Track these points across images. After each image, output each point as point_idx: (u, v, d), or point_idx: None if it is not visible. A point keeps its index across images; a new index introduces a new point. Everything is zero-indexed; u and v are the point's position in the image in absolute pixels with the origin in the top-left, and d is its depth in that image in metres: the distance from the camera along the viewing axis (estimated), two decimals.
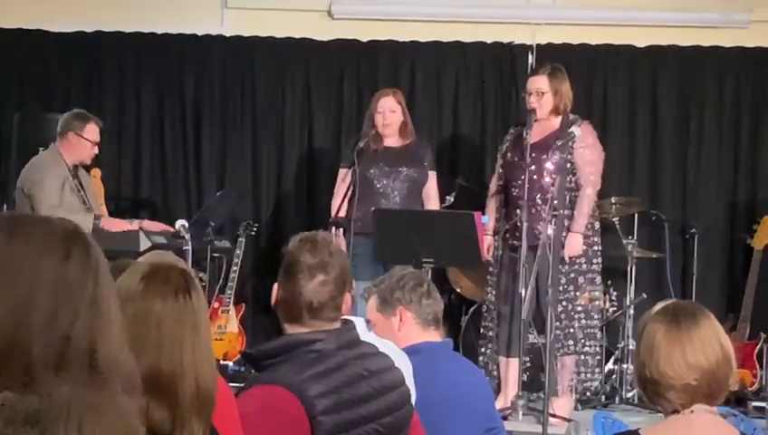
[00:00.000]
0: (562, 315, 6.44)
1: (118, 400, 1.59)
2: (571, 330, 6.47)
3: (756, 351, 7.26)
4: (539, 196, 6.36)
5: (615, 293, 7.34)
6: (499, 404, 6.43)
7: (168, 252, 5.80)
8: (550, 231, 6.23)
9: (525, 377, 6.63)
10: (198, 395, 2.08)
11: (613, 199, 7.41)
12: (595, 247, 6.56)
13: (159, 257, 2.53)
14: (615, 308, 7.31)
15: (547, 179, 6.36)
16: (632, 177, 8.09)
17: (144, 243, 6.43)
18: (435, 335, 3.88)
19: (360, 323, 3.29)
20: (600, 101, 8.16)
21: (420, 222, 6.50)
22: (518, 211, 6.41)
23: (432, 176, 6.94)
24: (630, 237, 7.50)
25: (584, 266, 6.49)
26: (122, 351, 1.64)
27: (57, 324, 1.57)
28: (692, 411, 2.59)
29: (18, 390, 1.52)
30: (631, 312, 7.28)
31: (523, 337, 6.36)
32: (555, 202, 6.32)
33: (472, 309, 7.44)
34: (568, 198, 6.46)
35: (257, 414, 2.71)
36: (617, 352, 7.20)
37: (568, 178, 6.45)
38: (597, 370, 6.64)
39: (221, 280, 7.52)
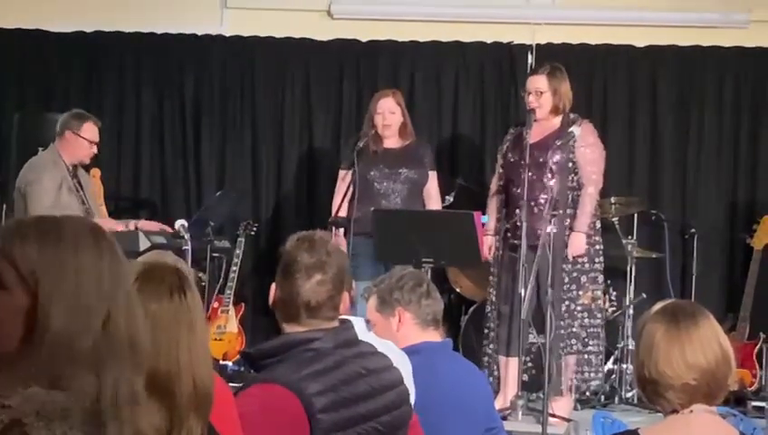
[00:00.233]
0: (565, 315, 6.44)
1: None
2: (574, 329, 6.47)
3: (756, 350, 7.26)
4: (541, 195, 6.36)
5: (614, 293, 7.34)
6: (498, 404, 6.43)
7: (167, 252, 5.81)
8: (549, 230, 6.23)
9: (526, 377, 6.63)
10: (196, 394, 2.09)
11: (613, 199, 7.42)
12: (597, 247, 6.56)
13: (157, 257, 2.54)
14: (614, 308, 7.31)
15: (548, 179, 6.36)
16: (632, 177, 8.09)
17: (144, 243, 6.43)
18: (434, 335, 3.88)
19: (358, 323, 3.30)
20: (600, 100, 8.16)
21: (420, 222, 6.51)
22: (518, 211, 6.41)
23: (432, 176, 6.94)
24: (630, 237, 7.50)
25: (586, 266, 6.50)
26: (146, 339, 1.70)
27: (100, 319, 1.63)
28: (691, 411, 2.59)
29: (46, 385, 1.55)
30: (631, 312, 7.28)
31: (523, 337, 6.36)
32: (556, 202, 6.33)
33: (471, 309, 7.44)
34: (570, 197, 6.46)
35: (256, 413, 2.72)
36: (616, 352, 7.20)
37: (570, 178, 6.45)
38: (600, 369, 6.64)
39: (220, 280, 7.52)
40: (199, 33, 8.38)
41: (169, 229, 6.73)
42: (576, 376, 6.49)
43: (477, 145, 8.26)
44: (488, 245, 6.60)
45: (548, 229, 6.19)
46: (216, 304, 7.62)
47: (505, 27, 8.21)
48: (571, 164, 6.44)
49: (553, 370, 6.36)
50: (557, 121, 6.54)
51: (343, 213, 6.68)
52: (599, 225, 6.65)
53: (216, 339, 7.57)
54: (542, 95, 6.49)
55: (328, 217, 6.76)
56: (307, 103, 8.37)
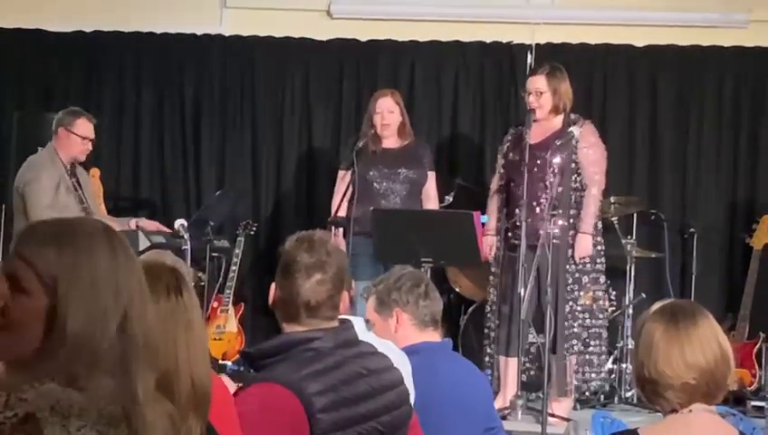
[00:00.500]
0: (569, 315, 6.44)
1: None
2: (575, 330, 6.47)
3: (755, 350, 7.26)
4: (542, 196, 6.36)
5: (614, 292, 7.34)
6: (498, 404, 6.43)
7: (166, 251, 5.82)
8: (549, 230, 6.23)
9: (525, 377, 6.64)
10: (194, 393, 2.09)
11: (612, 199, 7.41)
12: (599, 247, 6.56)
13: (154, 257, 2.55)
14: (614, 308, 7.31)
15: (550, 179, 6.36)
16: (631, 176, 8.09)
17: (143, 242, 6.43)
18: (433, 336, 3.88)
19: (358, 323, 3.30)
20: (600, 100, 8.16)
21: (420, 222, 6.51)
22: (518, 211, 6.41)
23: (431, 176, 6.94)
24: (629, 237, 7.50)
25: (588, 266, 6.50)
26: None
27: (116, 320, 1.67)
28: (690, 411, 2.59)
29: (63, 383, 1.58)
30: (630, 311, 7.28)
31: (523, 337, 6.37)
32: (556, 202, 6.33)
33: (471, 309, 7.44)
34: (573, 198, 6.46)
35: (256, 413, 2.72)
36: (616, 352, 7.20)
37: (573, 178, 6.45)
38: (601, 370, 6.64)
39: (220, 280, 7.52)
40: (199, 33, 8.38)
41: (168, 229, 6.74)
42: (576, 376, 6.49)
43: (477, 145, 8.26)
44: (489, 244, 6.60)
45: (547, 229, 6.20)
46: (215, 304, 7.61)
47: (505, 27, 8.21)
48: (573, 165, 6.44)
49: (553, 370, 6.36)
50: (558, 121, 6.54)
51: (342, 213, 6.68)
52: (600, 225, 6.65)
53: (215, 339, 7.57)
54: (542, 95, 6.49)
55: (327, 216, 6.76)
56: (307, 103, 8.36)
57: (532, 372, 6.71)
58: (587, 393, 6.74)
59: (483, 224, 6.59)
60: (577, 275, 6.47)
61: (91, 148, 6.73)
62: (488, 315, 6.68)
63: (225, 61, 8.40)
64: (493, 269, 6.69)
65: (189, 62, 8.42)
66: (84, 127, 6.63)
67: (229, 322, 7.67)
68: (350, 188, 6.64)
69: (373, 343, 3.17)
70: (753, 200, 8.01)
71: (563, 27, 8.16)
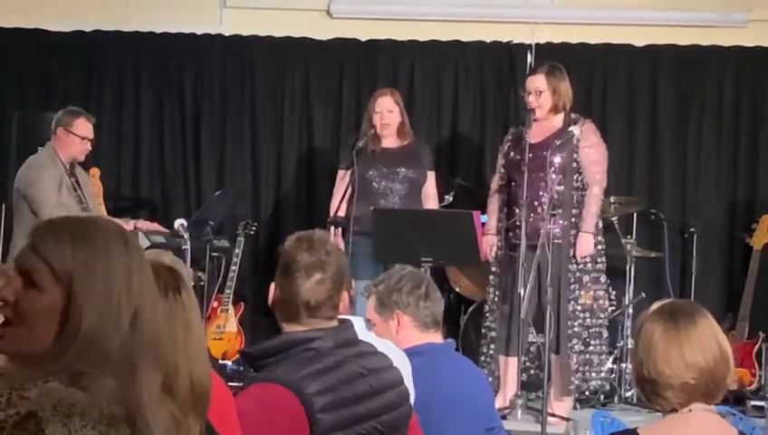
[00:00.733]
0: (571, 315, 6.44)
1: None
2: (575, 329, 6.47)
3: (755, 350, 7.26)
4: (542, 195, 6.36)
5: (614, 292, 7.34)
6: (498, 403, 6.44)
7: (165, 251, 5.81)
8: (549, 229, 6.23)
9: (525, 377, 6.64)
10: (193, 392, 2.09)
11: (612, 199, 7.42)
12: (600, 247, 6.56)
13: (153, 256, 2.55)
14: (614, 307, 7.31)
15: (550, 179, 6.36)
16: (631, 176, 8.09)
17: (143, 242, 6.43)
18: (435, 337, 3.88)
19: (358, 323, 3.30)
20: (599, 100, 8.17)
21: (419, 221, 6.51)
22: (518, 210, 6.41)
23: (430, 176, 6.94)
24: (629, 237, 7.50)
25: (589, 266, 6.50)
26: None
27: (128, 318, 1.68)
28: (690, 410, 2.59)
29: (65, 382, 1.58)
30: (630, 311, 7.29)
31: (523, 336, 6.37)
32: (556, 201, 6.33)
33: (471, 308, 7.44)
34: (575, 197, 6.46)
35: (256, 412, 2.72)
36: (616, 352, 7.20)
37: (574, 178, 6.45)
38: (601, 369, 6.64)
39: (220, 279, 7.52)
40: (199, 33, 8.38)
41: (166, 230, 6.74)
42: (576, 376, 6.49)
43: (477, 144, 8.26)
44: (489, 244, 6.60)
45: (547, 229, 6.20)
46: (215, 304, 7.61)
47: (505, 27, 8.21)
48: (575, 164, 6.44)
49: (557, 370, 6.36)
50: (558, 121, 6.54)
51: (342, 213, 6.68)
52: (601, 224, 6.66)
53: (215, 338, 7.58)
54: (542, 95, 6.49)
55: (327, 216, 6.76)
56: (307, 103, 8.37)
57: (532, 372, 6.71)
58: (587, 393, 6.74)
59: (483, 224, 6.60)
60: (578, 274, 6.47)
61: (90, 148, 6.72)
62: (486, 315, 6.68)
63: (225, 61, 8.41)
64: (493, 269, 6.69)
65: (189, 62, 8.42)
66: (83, 127, 6.63)
67: (229, 321, 7.67)
68: (350, 188, 6.64)
69: (373, 343, 3.17)
70: (753, 200, 8.02)
71: (563, 27, 8.16)
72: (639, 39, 8.13)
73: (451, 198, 7.55)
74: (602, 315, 6.60)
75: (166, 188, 8.41)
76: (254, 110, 8.38)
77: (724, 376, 2.61)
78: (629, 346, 7.06)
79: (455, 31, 8.25)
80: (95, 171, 7.12)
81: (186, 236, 6.50)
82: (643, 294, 7.26)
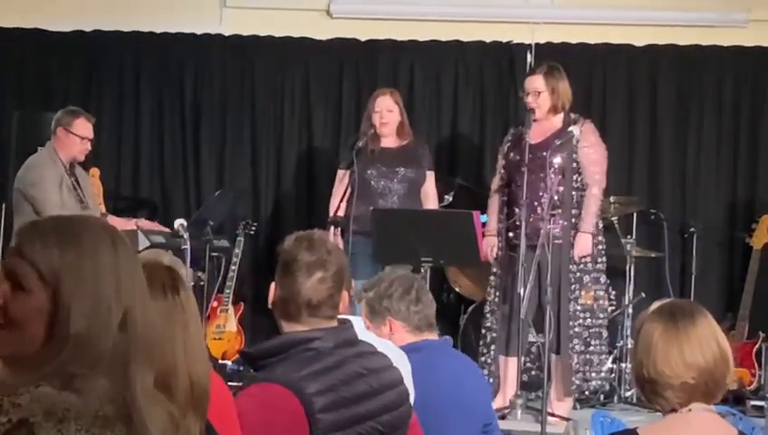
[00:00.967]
0: (571, 315, 6.44)
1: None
2: (576, 329, 6.47)
3: (755, 350, 7.26)
4: (542, 195, 6.36)
5: (614, 292, 7.34)
6: (498, 403, 6.44)
7: (164, 251, 5.82)
8: (548, 229, 6.23)
9: (526, 377, 6.64)
10: (193, 391, 2.09)
11: (612, 199, 7.41)
12: (600, 247, 6.56)
13: (151, 256, 2.56)
14: (614, 307, 7.31)
15: (550, 179, 6.35)
16: (631, 176, 8.09)
17: (143, 242, 6.43)
18: (430, 337, 3.89)
19: (357, 323, 3.30)
20: (599, 100, 8.17)
21: (419, 221, 6.51)
22: (518, 210, 6.41)
23: (430, 175, 6.94)
24: (629, 237, 7.50)
25: (589, 266, 6.50)
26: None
27: (118, 319, 1.66)
28: (690, 410, 2.59)
29: (58, 386, 1.56)
30: (630, 311, 7.29)
31: (523, 337, 6.37)
32: (556, 202, 6.33)
33: (471, 308, 7.44)
34: (574, 197, 6.46)
35: (256, 412, 2.72)
36: (615, 352, 7.20)
37: (574, 178, 6.45)
38: (601, 369, 6.64)
39: (220, 279, 7.52)
40: (199, 33, 8.38)
41: (167, 230, 6.73)
42: (577, 376, 6.49)
43: (477, 144, 8.26)
44: (490, 245, 6.60)
45: (547, 229, 6.20)
46: (215, 304, 7.62)
47: (505, 27, 8.21)
48: (574, 164, 6.44)
49: (558, 370, 6.36)
50: (558, 121, 6.54)
51: (341, 213, 6.68)
52: (601, 224, 6.66)
53: (215, 338, 7.58)
54: (540, 95, 6.49)
55: (327, 216, 6.76)
56: (306, 103, 8.37)
57: (533, 372, 6.71)
58: (587, 393, 6.74)
59: (483, 224, 6.60)
60: (578, 274, 6.47)
61: (90, 147, 6.73)
62: (487, 315, 6.68)
63: (225, 60, 8.41)
64: (493, 269, 6.69)
65: (189, 62, 8.42)
66: (83, 127, 6.63)
67: (229, 321, 7.67)
68: (349, 188, 6.64)
69: (373, 343, 3.17)
70: (752, 200, 8.02)
71: (563, 27, 8.16)
72: (639, 39, 8.13)
73: (451, 198, 7.55)
74: (602, 315, 6.59)
75: (166, 187, 8.41)
76: (254, 110, 8.38)
77: (723, 376, 2.61)
78: (629, 346, 7.06)
79: (455, 31, 8.25)
80: (95, 171, 7.12)
81: (185, 236, 6.50)
82: (643, 294, 7.25)
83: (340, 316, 3.04)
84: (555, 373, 6.38)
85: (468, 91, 8.28)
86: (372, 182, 6.75)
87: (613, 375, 7.15)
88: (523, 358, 6.53)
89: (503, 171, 6.68)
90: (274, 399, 2.76)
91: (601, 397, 6.98)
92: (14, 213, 6.65)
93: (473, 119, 8.27)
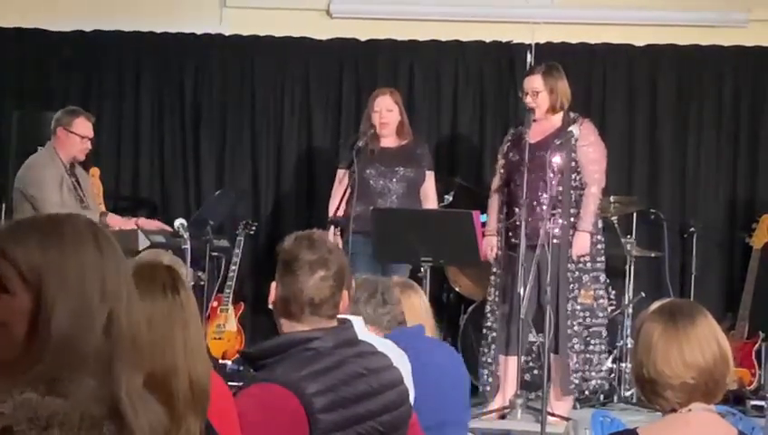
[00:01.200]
0: (569, 314, 6.44)
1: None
2: (575, 329, 6.47)
3: (755, 350, 7.26)
4: (542, 195, 6.36)
5: (614, 292, 7.34)
6: (498, 403, 6.45)
7: (164, 250, 5.81)
8: (549, 230, 6.23)
9: (528, 377, 6.64)
10: (193, 391, 2.09)
11: (612, 198, 7.41)
12: (599, 246, 6.57)
13: (151, 256, 2.55)
14: (614, 307, 7.31)
15: (549, 179, 6.36)
16: (631, 176, 8.09)
17: (143, 242, 6.43)
18: None
19: (357, 323, 3.30)
20: (599, 100, 8.16)
21: (419, 221, 6.51)
22: (518, 210, 6.41)
23: (429, 175, 6.94)
24: (629, 236, 7.50)
25: (589, 265, 6.50)
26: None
27: (102, 320, 1.62)
28: (690, 410, 2.59)
29: (43, 391, 1.54)
30: (630, 311, 7.29)
31: (523, 336, 6.37)
32: (556, 201, 6.33)
33: (471, 308, 7.43)
34: (573, 196, 6.46)
35: (256, 412, 2.72)
36: (615, 351, 7.20)
37: (572, 177, 6.45)
38: (601, 369, 6.64)
39: (220, 279, 7.52)
40: (199, 33, 8.38)
41: (168, 228, 6.74)
42: (576, 375, 6.49)
43: (477, 144, 8.26)
44: (490, 244, 6.60)
45: (547, 228, 6.20)
46: (215, 303, 7.62)
47: (505, 26, 8.21)
48: (573, 163, 6.44)
49: (557, 370, 6.37)
50: (557, 120, 6.54)
51: (340, 213, 6.68)
52: (600, 224, 6.66)
53: (215, 338, 7.58)
54: (539, 95, 6.49)
55: (327, 216, 6.76)
56: (306, 102, 8.36)
57: (535, 372, 6.71)
58: (587, 392, 6.74)
59: (483, 223, 6.60)
60: (577, 273, 6.47)
61: (90, 147, 6.73)
62: (487, 315, 6.68)
63: (225, 60, 8.40)
64: (493, 269, 6.69)
65: (189, 62, 8.42)
66: (83, 126, 6.63)
67: (229, 321, 7.67)
68: (349, 189, 6.63)
69: (373, 343, 3.17)
70: (752, 200, 8.02)
71: (563, 27, 8.16)
72: (639, 39, 8.13)
73: (451, 198, 7.55)
74: (601, 315, 6.60)
75: (166, 187, 8.41)
76: (254, 110, 8.37)
77: (723, 376, 2.61)
78: (629, 346, 7.06)
79: (455, 31, 8.24)
80: (95, 171, 7.12)
81: (186, 236, 6.50)
82: (643, 294, 7.26)
83: (339, 316, 3.04)
84: (553, 373, 6.38)
85: (468, 91, 8.28)
86: (371, 182, 6.75)
87: (613, 375, 7.16)
88: (524, 358, 6.53)
89: (502, 171, 6.69)
90: (274, 399, 2.76)
91: (601, 397, 6.99)
92: (15, 213, 6.66)
93: (473, 119, 8.27)
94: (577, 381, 6.50)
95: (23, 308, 1.61)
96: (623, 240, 7.41)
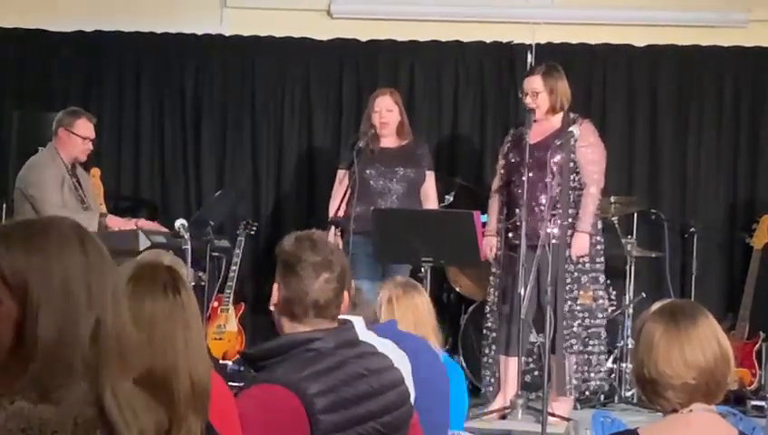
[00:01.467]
0: (567, 315, 6.44)
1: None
2: (574, 329, 6.47)
3: (755, 350, 7.27)
4: (541, 196, 6.36)
5: (614, 292, 7.34)
6: (498, 403, 6.45)
7: (165, 251, 5.81)
8: (549, 230, 6.23)
9: (528, 378, 6.64)
10: (193, 391, 2.09)
11: (612, 199, 7.41)
12: (598, 247, 6.56)
13: (151, 256, 2.55)
14: (614, 307, 7.31)
15: (549, 179, 6.36)
16: (631, 176, 8.09)
17: (144, 242, 6.43)
18: None
19: (358, 323, 3.30)
20: (599, 100, 8.17)
21: (419, 221, 6.51)
22: (518, 211, 6.41)
23: (430, 175, 6.94)
24: (630, 237, 7.50)
25: (587, 265, 6.50)
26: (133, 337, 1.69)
27: (89, 325, 1.60)
28: (690, 410, 2.59)
29: (33, 399, 1.53)
30: (630, 311, 7.28)
31: (523, 337, 6.37)
32: (556, 202, 6.33)
33: (471, 308, 7.43)
34: (572, 197, 6.46)
35: (257, 413, 2.72)
36: (616, 352, 7.20)
37: (571, 178, 6.45)
38: (601, 369, 6.64)
39: (220, 279, 7.52)
40: (199, 33, 8.38)
41: (166, 230, 6.74)
42: (576, 376, 6.49)
43: (477, 144, 8.26)
44: (490, 245, 6.60)
45: (548, 229, 6.20)
46: (215, 304, 7.62)
47: (505, 27, 8.21)
48: (572, 164, 6.44)
49: (553, 370, 6.36)
50: (557, 121, 6.54)
51: (341, 213, 6.68)
52: (600, 224, 6.65)
53: (215, 338, 7.58)
54: (539, 95, 6.49)
55: (327, 216, 6.77)
56: (307, 103, 8.36)
57: (536, 373, 6.71)
58: (587, 393, 6.74)
59: (483, 224, 6.60)
60: (576, 274, 6.47)
61: (91, 147, 6.73)
62: (487, 316, 6.68)
63: (225, 61, 8.40)
64: (493, 269, 6.69)
65: (190, 62, 8.42)
66: (84, 127, 6.64)
67: (229, 321, 7.67)
68: (349, 189, 6.63)
69: (374, 343, 3.17)
70: (753, 200, 8.02)
71: (563, 27, 8.16)
72: (639, 39, 8.13)
73: (451, 198, 7.55)
74: (601, 315, 6.60)
75: (166, 188, 8.41)
76: (255, 110, 8.37)
77: (724, 376, 2.61)
78: (630, 346, 7.06)
79: (455, 31, 8.24)
80: (96, 171, 7.12)
81: (186, 236, 6.49)
82: (643, 294, 7.26)
83: (340, 317, 3.04)
84: (552, 373, 6.39)
85: (468, 92, 8.28)
86: (371, 182, 6.75)
87: (613, 375, 7.16)
88: (524, 358, 6.53)
89: (502, 172, 6.69)
90: (275, 400, 2.76)
91: (602, 397, 6.99)
92: (15, 213, 6.66)
93: (473, 119, 8.27)
94: (576, 382, 6.50)
95: (8, 315, 1.59)
96: (624, 240, 7.41)
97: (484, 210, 6.74)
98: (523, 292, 6.15)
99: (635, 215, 7.66)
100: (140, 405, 1.64)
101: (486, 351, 6.65)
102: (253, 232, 7.95)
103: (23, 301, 1.59)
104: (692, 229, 7.84)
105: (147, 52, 8.42)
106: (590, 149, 6.50)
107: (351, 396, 2.84)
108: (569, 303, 6.45)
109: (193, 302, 2.22)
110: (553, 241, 6.35)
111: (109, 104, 8.35)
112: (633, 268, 7.42)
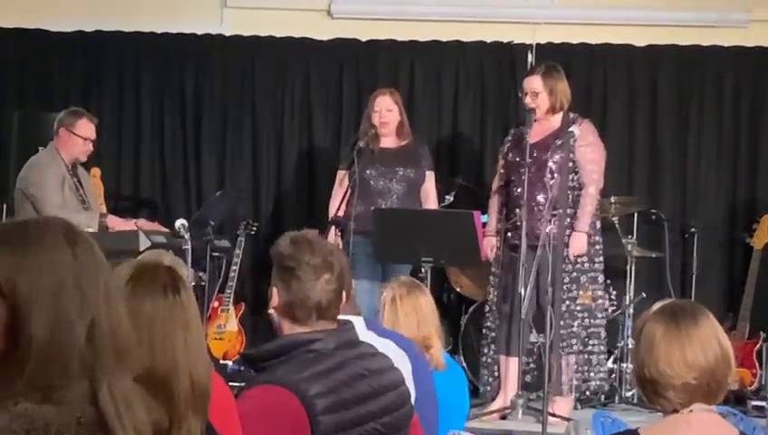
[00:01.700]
0: (566, 315, 6.44)
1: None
2: (574, 329, 6.47)
3: (756, 350, 7.26)
4: (541, 195, 6.36)
5: (614, 292, 7.34)
6: (499, 403, 6.45)
7: (165, 251, 5.81)
8: (549, 230, 6.23)
9: (529, 378, 6.64)
10: (193, 391, 2.09)
11: (612, 199, 7.41)
12: (597, 246, 6.56)
13: (151, 256, 2.55)
14: (614, 307, 7.31)
15: (548, 179, 6.36)
16: (632, 176, 8.09)
17: (144, 242, 6.43)
18: None
19: (359, 324, 3.30)
20: (600, 100, 8.16)
21: (420, 221, 6.51)
22: (518, 211, 6.41)
23: (430, 175, 6.94)
24: (630, 237, 7.50)
25: (586, 265, 6.50)
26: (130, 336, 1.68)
27: (84, 324, 1.59)
28: (691, 411, 2.59)
29: (37, 400, 1.52)
30: (631, 311, 7.28)
31: (524, 337, 6.37)
32: (556, 201, 6.33)
33: (472, 308, 7.43)
34: (570, 197, 6.46)
35: (257, 414, 2.72)
36: (616, 352, 7.20)
37: (570, 177, 6.45)
38: (601, 369, 6.64)
39: (220, 279, 7.52)
40: (199, 33, 8.38)
41: (166, 230, 6.74)
42: (576, 376, 6.49)
43: (477, 144, 8.26)
44: (490, 245, 6.60)
45: (547, 229, 6.20)
46: (216, 304, 7.62)
47: (505, 27, 8.21)
48: (571, 163, 6.44)
49: (553, 369, 6.36)
50: (557, 121, 6.54)
51: (341, 213, 6.68)
52: (599, 224, 6.65)
53: (216, 338, 7.58)
54: (538, 95, 6.49)
55: (327, 216, 6.76)
56: (307, 103, 8.36)
57: (536, 373, 6.71)
58: (587, 393, 6.75)
59: (483, 224, 6.60)
60: (575, 274, 6.47)
61: (92, 148, 6.74)
62: (487, 316, 6.68)
63: (225, 61, 8.40)
64: (493, 269, 6.69)
65: (190, 62, 8.42)
66: (86, 127, 6.64)
67: (230, 321, 7.67)
68: (349, 189, 6.63)
69: (374, 344, 3.17)
70: (753, 200, 8.02)
71: (564, 27, 8.16)
72: (639, 39, 8.13)
73: (452, 198, 7.56)
74: (600, 315, 6.60)
75: (166, 188, 8.41)
76: (255, 110, 8.37)
77: (725, 376, 2.61)
78: (630, 346, 7.05)
79: (455, 31, 8.24)
80: (96, 171, 7.13)
81: (186, 237, 6.50)
82: (644, 294, 7.25)
83: (340, 317, 3.04)
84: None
85: (469, 92, 8.27)
86: (371, 182, 6.75)
87: (614, 375, 7.16)
88: (525, 358, 6.53)
89: (502, 171, 6.69)
90: (276, 400, 2.75)
91: (602, 397, 6.99)
92: (15, 213, 6.66)
93: (473, 119, 8.27)
94: (576, 382, 6.50)
95: (1, 320, 1.58)
96: (624, 240, 7.40)
97: (485, 210, 6.74)
98: (523, 292, 6.15)
99: (635, 215, 7.66)
100: (138, 403, 1.64)
101: (485, 350, 6.65)
102: (253, 232, 7.95)
103: (14, 305, 1.58)
104: (692, 229, 7.84)
105: (147, 52, 8.42)
106: (589, 149, 6.50)
107: (352, 397, 2.84)
108: (567, 302, 6.46)
109: (193, 302, 2.22)
110: (553, 241, 6.34)
111: (109, 104, 8.35)
112: (633, 268, 7.42)
